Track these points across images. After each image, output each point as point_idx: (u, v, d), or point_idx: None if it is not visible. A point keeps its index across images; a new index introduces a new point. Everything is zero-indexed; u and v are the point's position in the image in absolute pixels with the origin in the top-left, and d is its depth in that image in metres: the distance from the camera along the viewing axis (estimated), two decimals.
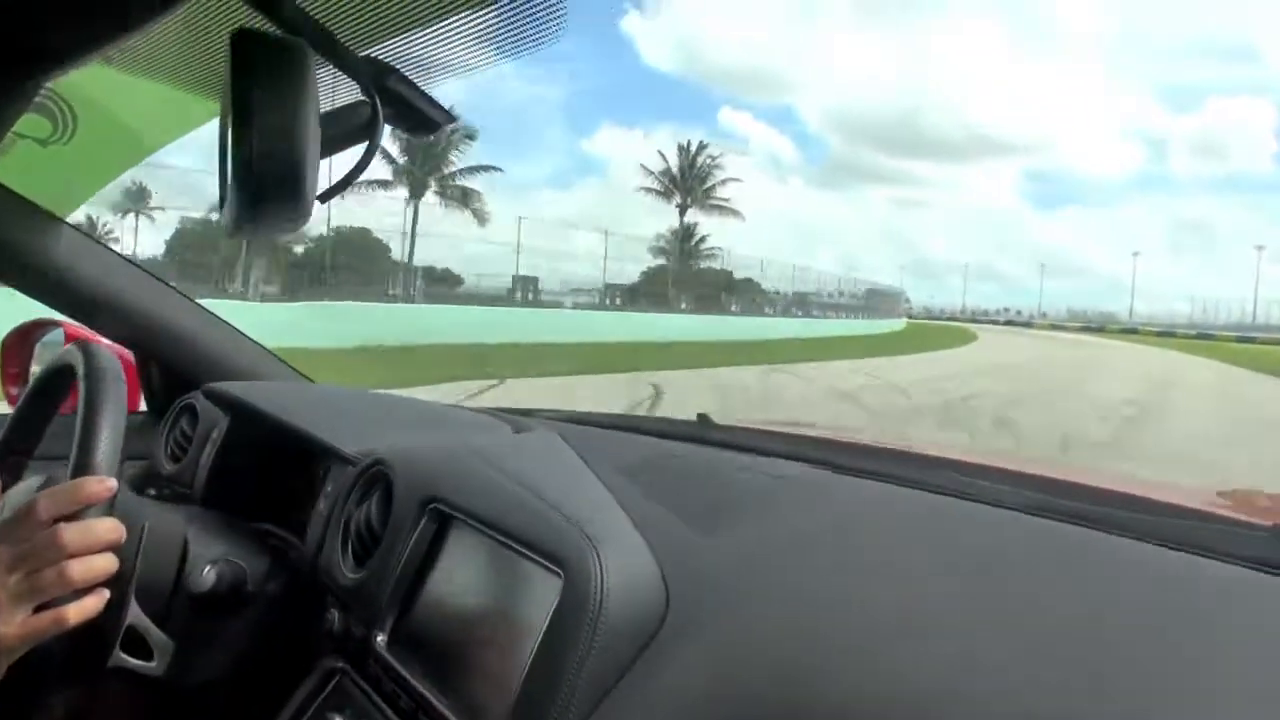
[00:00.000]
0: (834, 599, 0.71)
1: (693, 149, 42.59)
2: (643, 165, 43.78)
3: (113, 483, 0.80)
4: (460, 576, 0.91)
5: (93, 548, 0.77)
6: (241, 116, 0.53)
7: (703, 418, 1.33)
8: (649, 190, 42.18)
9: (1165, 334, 57.11)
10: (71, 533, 0.76)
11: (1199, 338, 52.43)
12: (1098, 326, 68.86)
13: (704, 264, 38.54)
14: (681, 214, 41.30)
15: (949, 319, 75.46)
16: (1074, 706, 0.54)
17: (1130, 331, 62.18)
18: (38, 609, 0.75)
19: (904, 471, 0.97)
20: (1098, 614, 0.63)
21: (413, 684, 0.85)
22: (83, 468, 0.82)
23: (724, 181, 42.62)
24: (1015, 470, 1.05)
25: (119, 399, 0.87)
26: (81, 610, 0.77)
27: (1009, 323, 74.05)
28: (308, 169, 0.54)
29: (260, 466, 1.32)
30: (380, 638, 0.92)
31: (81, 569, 0.76)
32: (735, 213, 41.95)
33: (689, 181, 41.85)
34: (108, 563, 0.79)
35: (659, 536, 0.83)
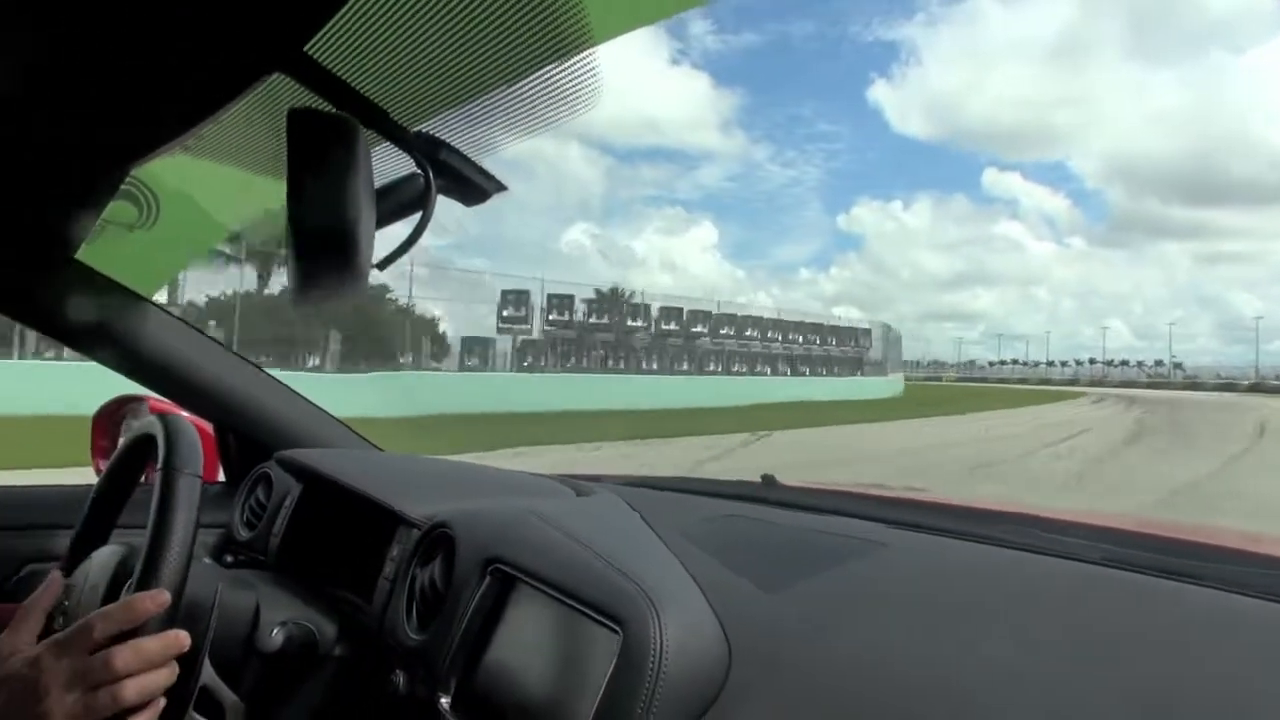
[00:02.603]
0: (902, 656, 0.69)
1: None
2: None
3: (165, 597, 0.81)
4: (522, 636, 0.90)
5: (145, 666, 0.78)
6: (299, 191, 0.56)
7: (767, 478, 1.32)
8: None
9: None
10: (125, 654, 0.77)
11: None
12: None
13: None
14: None
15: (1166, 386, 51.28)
16: None
17: None
18: None
19: (971, 527, 0.95)
20: (1186, 666, 0.61)
21: None
22: (147, 578, 0.82)
23: None
24: (1089, 523, 1.01)
25: (191, 495, 0.87)
26: None
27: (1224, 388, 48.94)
28: (361, 238, 0.56)
29: (331, 531, 1.35)
30: (444, 699, 0.92)
31: (135, 688, 0.77)
32: None
33: None
34: (163, 677, 0.80)
35: (722, 595, 0.82)
